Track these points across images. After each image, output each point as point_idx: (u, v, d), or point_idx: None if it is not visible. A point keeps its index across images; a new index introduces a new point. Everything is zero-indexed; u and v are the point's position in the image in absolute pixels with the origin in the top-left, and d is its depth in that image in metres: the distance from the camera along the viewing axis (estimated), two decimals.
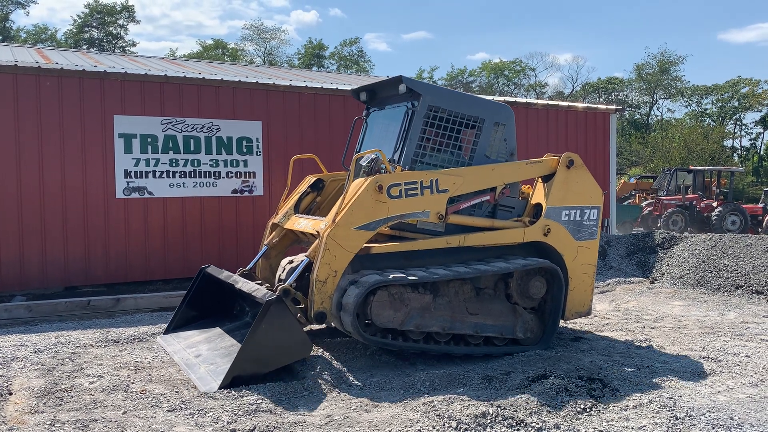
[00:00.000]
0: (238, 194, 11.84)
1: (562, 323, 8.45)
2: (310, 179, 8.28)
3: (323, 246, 6.40)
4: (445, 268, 6.90)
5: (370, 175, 6.81)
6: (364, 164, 7.12)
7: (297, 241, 8.20)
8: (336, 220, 6.49)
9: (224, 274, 7.36)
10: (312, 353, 6.96)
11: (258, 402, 5.49)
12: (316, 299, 6.37)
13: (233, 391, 5.73)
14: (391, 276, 6.42)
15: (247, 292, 6.63)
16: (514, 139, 7.68)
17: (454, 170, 7.08)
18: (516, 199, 7.67)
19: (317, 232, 6.74)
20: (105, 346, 7.51)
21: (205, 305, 7.79)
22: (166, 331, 7.67)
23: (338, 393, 5.87)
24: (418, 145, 7.15)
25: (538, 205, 7.58)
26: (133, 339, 7.81)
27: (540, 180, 7.71)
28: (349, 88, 13.21)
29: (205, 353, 6.69)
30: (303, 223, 7.48)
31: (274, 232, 8.09)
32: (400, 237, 7.02)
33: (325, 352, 7.08)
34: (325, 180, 8.31)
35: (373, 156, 7.04)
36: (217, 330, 7.30)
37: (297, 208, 8.01)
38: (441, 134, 7.28)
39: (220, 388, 5.77)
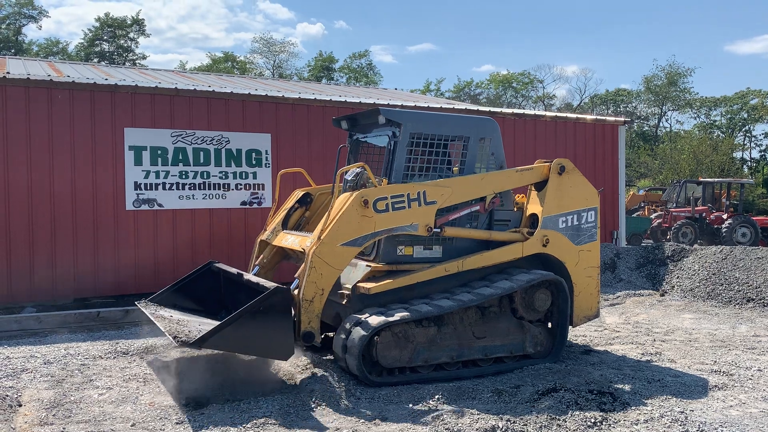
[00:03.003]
0: (248, 206, 11.88)
1: (571, 335, 8.41)
2: (298, 193, 8.16)
3: (309, 264, 6.35)
4: (448, 297, 6.84)
5: (356, 190, 6.77)
6: (349, 179, 7.06)
7: (287, 258, 8.04)
8: (321, 238, 6.44)
9: (233, 269, 7.39)
10: (319, 365, 6.95)
11: (267, 415, 5.49)
12: (303, 319, 6.33)
13: (242, 404, 5.73)
14: (397, 316, 6.34)
15: (255, 282, 6.59)
16: (502, 151, 7.63)
17: (443, 181, 7.03)
18: (511, 211, 7.63)
19: (303, 249, 6.69)
20: (114, 358, 7.52)
21: (194, 297, 7.65)
22: (145, 300, 7.47)
23: (346, 406, 5.85)
24: (405, 175, 7.08)
25: (534, 215, 7.54)
26: (142, 351, 7.82)
27: (533, 189, 7.67)
28: (357, 100, 13.26)
29: (177, 326, 6.45)
30: (290, 240, 7.38)
31: (263, 252, 7.95)
32: (397, 271, 6.90)
33: (333, 364, 7.05)
34: (313, 194, 8.19)
35: (358, 170, 7.00)
36: (197, 317, 7.17)
37: (285, 224, 7.89)
38: (427, 159, 7.25)
39: (189, 345, 5.64)
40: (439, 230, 7.00)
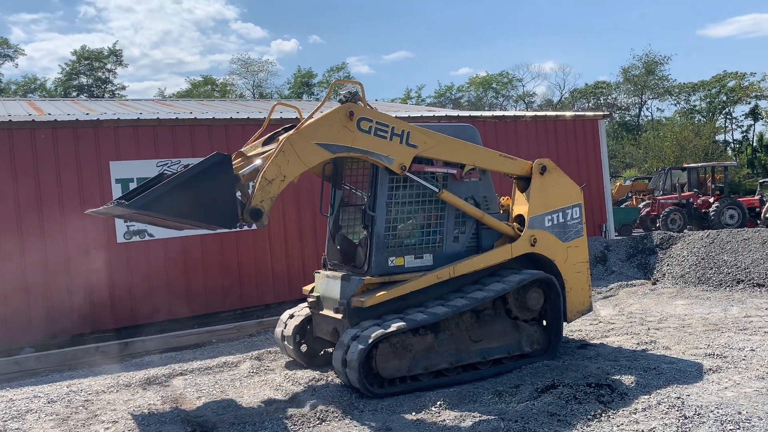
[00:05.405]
0: (238, 229, 11.93)
1: (567, 331, 8.52)
2: (288, 126, 7.98)
3: (280, 147, 6.40)
4: (442, 303, 6.93)
5: None
6: (342, 93, 7.08)
7: None
8: (299, 129, 6.53)
9: None
10: (321, 381, 7.02)
11: None
12: (256, 195, 6.30)
13: (247, 427, 5.79)
14: (393, 327, 6.42)
15: None
16: None
17: (428, 131, 7.13)
18: (497, 214, 7.72)
19: (278, 140, 6.71)
20: (117, 391, 7.55)
21: None
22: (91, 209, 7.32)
23: (350, 420, 5.93)
24: (390, 187, 7.11)
25: (520, 216, 7.66)
26: (144, 382, 7.85)
27: (517, 190, 7.80)
28: None
29: None
30: (266, 147, 7.30)
31: (238, 159, 7.58)
32: (390, 282, 6.97)
33: (335, 379, 7.13)
34: None
35: (354, 89, 7.03)
36: None
37: (266, 144, 7.68)
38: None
39: (126, 206, 5.65)
40: (437, 190, 7.10)
